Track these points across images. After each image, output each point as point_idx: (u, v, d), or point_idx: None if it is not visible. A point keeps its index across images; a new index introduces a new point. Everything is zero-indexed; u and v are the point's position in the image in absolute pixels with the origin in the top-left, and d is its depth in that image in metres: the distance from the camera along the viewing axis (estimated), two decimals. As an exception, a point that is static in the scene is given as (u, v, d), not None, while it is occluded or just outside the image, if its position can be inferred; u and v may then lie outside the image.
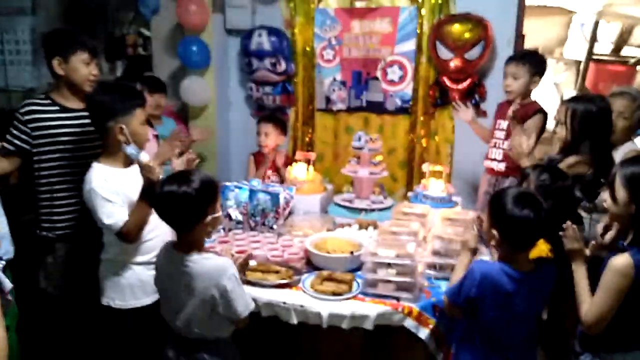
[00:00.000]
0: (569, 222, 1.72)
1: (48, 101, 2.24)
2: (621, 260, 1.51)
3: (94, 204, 1.89)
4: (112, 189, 1.91)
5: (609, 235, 1.74)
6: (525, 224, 1.56)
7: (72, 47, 2.18)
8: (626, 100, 2.44)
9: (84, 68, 2.20)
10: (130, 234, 1.92)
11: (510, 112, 2.60)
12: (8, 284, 1.22)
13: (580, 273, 1.66)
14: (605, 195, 1.66)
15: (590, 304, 1.57)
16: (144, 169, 1.88)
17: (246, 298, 1.70)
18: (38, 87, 4.08)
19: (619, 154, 2.34)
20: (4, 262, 1.28)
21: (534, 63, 2.71)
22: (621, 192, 1.56)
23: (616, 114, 2.40)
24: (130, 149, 1.93)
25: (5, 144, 2.17)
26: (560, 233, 1.73)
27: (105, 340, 2.17)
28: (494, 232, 1.63)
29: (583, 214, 2.18)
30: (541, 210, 1.57)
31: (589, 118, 2.15)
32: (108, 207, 1.88)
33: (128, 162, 2.02)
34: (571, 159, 2.18)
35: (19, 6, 4.02)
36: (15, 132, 2.19)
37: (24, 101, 2.25)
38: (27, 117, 2.18)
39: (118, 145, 1.95)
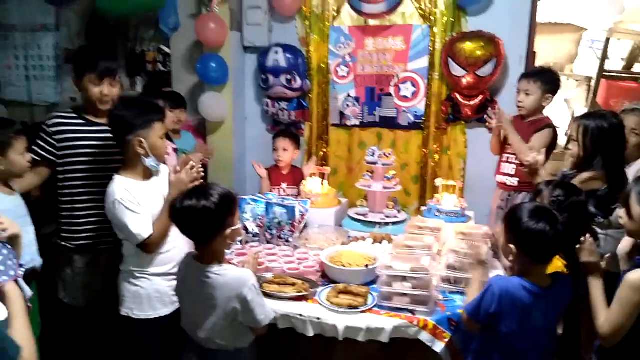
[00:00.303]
0: (587, 236, 1.75)
1: (75, 115, 2.32)
2: (637, 276, 1.53)
3: (119, 215, 1.94)
4: (135, 200, 1.96)
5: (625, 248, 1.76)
6: (542, 237, 1.58)
7: (82, 68, 2.26)
8: (638, 116, 2.46)
9: (93, 88, 2.26)
10: (153, 245, 1.98)
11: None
12: (28, 291, 1.26)
13: (596, 286, 1.68)
14: (620, 212, 1.68)
15: (606, 317, 1.60)
16: (174, 182, 1.95)
17: (266, 307, 1.74)
18: (61, 102, 4.20)
19: (632, 170, 2.36)
20: (24, 270, 1.33)
21: (546, 80, 2.75)
22: (637, 209, 1.58)
23: (628, 130, 2.42)
24: (150, 162, 2.00)
25: (32, 154, 2.24)
26: (577, 246, 1.74)
27: (125, 350, 2.21)
28: (512, 247, 1.65)
29: (598, 230, 2.20)
30: (557, 223, 1.59)
31: (601, 134, 2.18)
32: (134, 218, 1.93)
33: (148, 174, 2.07)
34: (585, 175, 2.20)
35: (43, 23, 4.16)
36: (41, 143, 2.27)
37: (51, 114, 2.35)
38: (53, 129, 2.26)
39: (138, 158, 2.01)
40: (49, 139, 2.27)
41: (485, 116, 3.05)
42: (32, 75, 4.24)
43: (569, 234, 1.73)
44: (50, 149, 2.27)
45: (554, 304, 1.67)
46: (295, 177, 3.29)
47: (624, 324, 1.55)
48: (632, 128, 2.45)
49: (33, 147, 2.25)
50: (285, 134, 3.36)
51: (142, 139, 1.97)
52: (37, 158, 2.25)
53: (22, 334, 1.07)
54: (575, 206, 1.90)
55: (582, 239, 1.76)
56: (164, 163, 2.15)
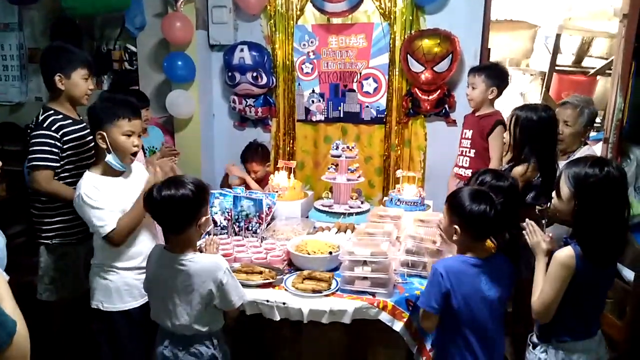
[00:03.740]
0: (527, 220, 1.87)
1: (61, 115, 2.34)
2: (564, 253, 1.67)
3: (83, 209, 1.97)
4: (102, 195, 1.97)
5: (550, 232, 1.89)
6: (484, 216, 1.71)
7: (72, 64, 2.30)
8: (569, 109, 2.65)
9: (83, 83, 2.32)
10: (118, 238, 1.99)
11: None
12: (5, 276, 1.30)
13: (540, 265, 1.79)
14: (553, 194, 1.80)
15: (538, 294, 1.73)
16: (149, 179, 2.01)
17: (240, 289, 1.82)
18: (25, 101, 4.18)
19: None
20: None
21: (489, 74, 2.90)
22: (565, 189, 1.71)
23: (562, 122, 2.60)
24: (110, 158, 2.00)
25: (53, 163, 2.27)
26: (524, 228, 1.86)
27: (97, 342, 2.23)
28: (457, 227, 1.77)
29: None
30: (495, 203, 1.73)
31: (529, 125, 2.31)
32: (97, 213, 1.96)
33: (118, 172, 2.08)
34: (520, 169, 2.33)
35: (6, 22, 4.12)
36: (55, 150, 2.27)
37: (45, 119, 2.31)
38: (60, 133, 2.29)
39: (103, 153, 2.02)
40: (58, 143, 2.29)
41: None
42: (-5, 75, 4.21)
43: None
44: (61, 152, 2.30)
45: (496, 273, 1.79)
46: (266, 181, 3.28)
47: (553, 300, 1.68)
48: (564, 120, 2.63)
49: (48, 156, 2.25)
50: (253, 157, 3.39)
51: (104, 133, 1.99)
52: (56, 165, 2.29)
53: (13, 312, 1.09)
54: (500, 189, 1.96)
55: (525, 222, 1.88)
56: (129, 162, 2.12)
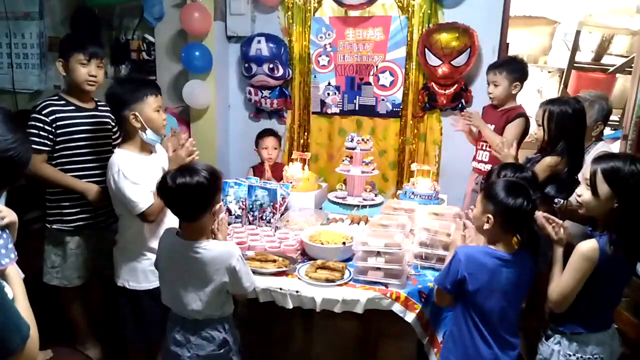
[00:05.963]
0: (538, 213, 1.83)
1: (63, 102, 2.38)
2: (588, 245, 1.65)
3: (121, 185, 2.00)
4: (138, 171, 2.04)
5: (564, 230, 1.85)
6: (520, 210, 1.68)
7: (69, 49, 2.34)
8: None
9: (80, 68, 2.33)
10: (152, 215, 2.05)
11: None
12: (21, 274, 1.29)
13: (558, 254, 1.78)
14: (580, 190, 1.75)
15: (557, 283, 1.72)
16: (172, 158, 2.06)
17: (251, 275, 1.85)
18: (45, 89, 4.23)
19: (591, 155, 2.49)
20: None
21: (511, 69, 2.86)
22: (603, 188, 1.65)
23: None
24: (148, 134, 2.08)
25: (38, 147, 2.28)
26: (538, 222, 1.84)
27: (122, 318, 2.27)
28: (490, 217, 1.73)
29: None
30: (531, 197, 1.70)
31: (564, 119, 2.27)
32: (134, 188, 2.01)
33: (147, 149, 2.16)
34: (550, 160, 2.29)
35: (27, 11, 4.17)
36: (42, 133, 2.30)
37: (41, 103, 2.36)
38: (50, 118, 2.31)
39: (135, 132, 2.09)
40: (48, 127, 2.31)
41: (451, 122, 3.19)
42: (15, 63, 4.26)
43: None
44: (51, 137, 2.32)
45: (519, 269, 1.75)
46: (279, 171, 3.34)
47: (572, 290, 1.68)
48: None
49: (35, 139, 2.27)
50: (270, 132, 3.47)
51: (136, 113, 2.05)
52: (45, 149, 2.30)
53: (26, 314, 1.10)
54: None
55: (536, 215, 1.85)
56: (164, 135, 2.20)
